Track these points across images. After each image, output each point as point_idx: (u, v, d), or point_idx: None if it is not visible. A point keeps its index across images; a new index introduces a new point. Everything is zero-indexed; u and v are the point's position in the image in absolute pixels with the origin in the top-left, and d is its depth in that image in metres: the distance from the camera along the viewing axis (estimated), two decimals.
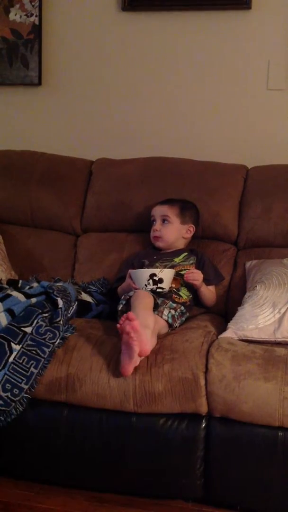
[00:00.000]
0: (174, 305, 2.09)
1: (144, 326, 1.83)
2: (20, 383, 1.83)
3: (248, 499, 1.83)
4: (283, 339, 1.94)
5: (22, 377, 1.84)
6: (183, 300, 2.17)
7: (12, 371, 1.84)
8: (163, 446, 1.83)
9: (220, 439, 1.81)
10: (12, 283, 2.23)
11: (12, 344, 1.87)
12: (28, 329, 1.91)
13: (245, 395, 1.74)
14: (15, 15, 2.87)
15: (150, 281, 2.06)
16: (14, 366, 1.85)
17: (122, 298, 2.10)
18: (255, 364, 1.78)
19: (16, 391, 1.83)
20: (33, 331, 1.91)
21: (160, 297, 2.07)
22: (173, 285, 2.16)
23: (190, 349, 1.86)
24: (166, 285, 2.08)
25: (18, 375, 1.84)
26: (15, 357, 1.86)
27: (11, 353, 1.86)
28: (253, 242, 2.43)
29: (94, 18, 2.83)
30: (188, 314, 2.17)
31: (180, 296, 2.17)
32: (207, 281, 2.26)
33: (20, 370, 1.84)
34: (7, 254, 2.50)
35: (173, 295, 2.15)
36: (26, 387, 1.83)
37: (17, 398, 1.83)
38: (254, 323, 1.96)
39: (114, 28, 2.81)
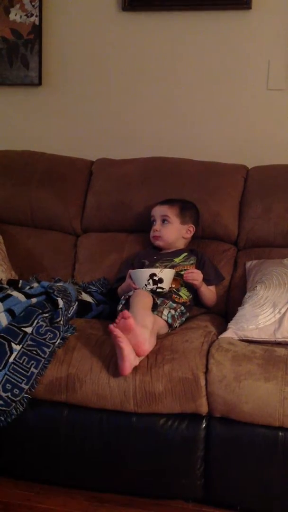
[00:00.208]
0: (174, 305, 2.09)
1: (142, 326, 1.83)
2: (21, 383, 1.83)
3: (248, 499, 1.83)
4: (283, 339, 1.94)
5: (23, 377, 1.84)
6: (183, 300, 2.17)
7: (12, 371, 1.84)
8: (163, 446, 1.83)
9: (220, 439, 1.81)
10: (12, 283, 2.23)
11: (13, 344, 1.87)
12: (29, 329, 1.91)
13: (245, 395, 1.74)
14: (15, 15, 2.87)
15: (150, 281, 2.06)
16: (15, 366, 1.85)
17: (122, 298, 2.10)
18: (256, 364, 1.78)
19: (16, 391, 1.83)
20: (34, 331, 1.91)
21: (160, 297, 2.07)
22: (173, 285, 2.16)
23: (190, 349, 1.86)
24: (166, 285, 2.08)
25: (18, 375, 1.84)
26: (15, 357, 1.86)
27: (11, 353, 1.86)
28: (253, 242, 2.43)
29: (94, 18, 2.83)
30: (188, 314, 2.17)
31: (180, 296, 2.17)
32: (207, 281, 2.26)
33: (21, 370, 1.84)
34: (7, 254, 2.50)
35: (173, 295, 2.15)
36: (26, 387, 1.83)
37: (18, 398, 1.83)
38: (254, 323, 1.96)
39: (114, 28, 2.81)
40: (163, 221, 2.33)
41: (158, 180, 2.52)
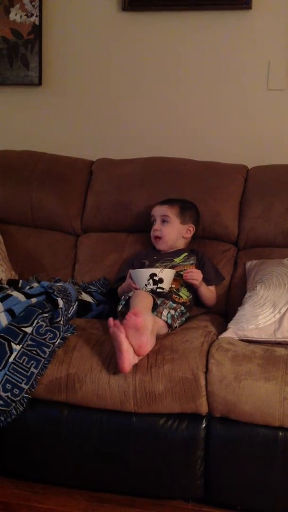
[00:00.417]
0: (174, 305, 2.09)
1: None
2: (21, 383, 1.83)
3: (248, 499, 1.83)
4: (283, 339, 1.94)
5: (23, 377, 1.84)
6: (183, 300, 2.16)
7: (12, 371, 1.84)
8: (163, 446, 1.83)
9: (220, 439, 1.80)
10: (13, 283, 2.24)
11: (13, 344, 1.87)
12: (29, 329, 1.91)
13: (245, 395, 1.74)
14: (15, 15, 2.87)
15: (150, 281, 2.06)
16: (15, 366, 1.85)
17: (122, 298, 2.10)
18: (256, 364, 1.78)
19: (16, 391, 1.83)
20: (34, 331, 1.91)
21: (160, 297, 2.07)
22: (173, 285, 2.16)
23: (190, 349, 1.86)
24: (166, 285, 2.08)
25: (18, 375, 1.84)
26: (15, 357, 1.86)
27: (11, 353, 1.86)
28: (253, 242, 2.43)
29: (94, 18, 2.83)
30: (188, 314, 2.17)
31: (180, 296, 2.17)
32: (207, 281, 2.26)
33: (21, 370, 1.84)
34: (7, 254, 2.50)
35: (173, 295, 2.15)
36: (26, 387, 1.83)
37: (18, 398, 1.83)
38: (254, 323, 1.96)
39: (114, 28, 2.81)
40: (163, 221, 2.33)
41: (158, 180, 2.52)
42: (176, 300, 2.13)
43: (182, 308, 2.12)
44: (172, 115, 2.81)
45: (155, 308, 2.00)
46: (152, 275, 2.06)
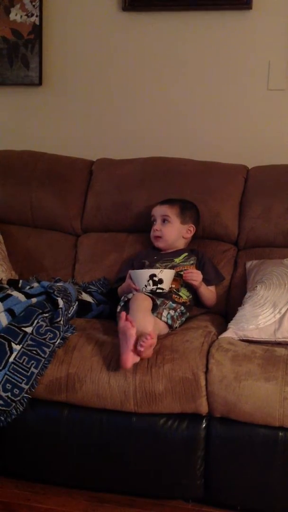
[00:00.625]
0: (174, 305, 2.09)
1: (143, 329, 1.83)
2: (21, 383, 1.83)
3: (248, 499, 1.83)
4: (284, 339, 1.94)
5: (23, 377, 1.84)
6: (183, 300, 2.16)
7: (12, 371, 1.84)
8: (163, 446, 1.83)
9: (221, 439, 1.80)
10: (13, 283, 2.24)
11: (13, 344, 1.87)
12: (29, 329, 1.91)
13: (245, 395, 1.74)
14: (16, 15, 2.87)
15: (150, 281, 2.05)
16: (15, 366, 1.85)
17: (121, 299, 2.09)
18: (256, 364, 1.78)
19: (16, 391, 1.83)
20: (34, 331, 1.91)
21: (160, 297, 2.07)
22: (173, 286, 2.16)
23: (190, 349, 1.86)
24: (166, 286, 2.08)
25: (18, 375, 1.84)
26: (15, 357, 1.86)
27: (11, 353, 1.86)
28: (253, 242, 2.43)
29: (94, 18, 2.83)
30: (188, 314, 2.16)
31: (180, 296, 2.17)
32: (207, 281, 2.26)
33: (21, 370, 1.84)
34: (7, 254, 2.50)
35: (173, 295, 2.15)
36: (26, 387, 1.83)
37: (18, 398, 1.83)
38: (254, 323, 1.96)
39: (115, 28, 2.81)
40: (164, 221, 2.33)
41: (158, 180, 2.52)
42: (176, 300, 2.13)
43: (182, 308, 2.12)
44: (172, 115, 2.81)
45: (155, 308, 2.00)
46: (152, 276, 2.06)
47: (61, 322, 1.95)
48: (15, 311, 1.97)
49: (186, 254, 2.30)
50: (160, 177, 2.53)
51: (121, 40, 2.82)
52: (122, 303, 2.05)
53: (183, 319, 2.12)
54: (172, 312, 2.05)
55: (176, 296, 2.16)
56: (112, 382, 1.82)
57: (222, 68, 2.74)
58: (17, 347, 1.87)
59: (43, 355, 1.86)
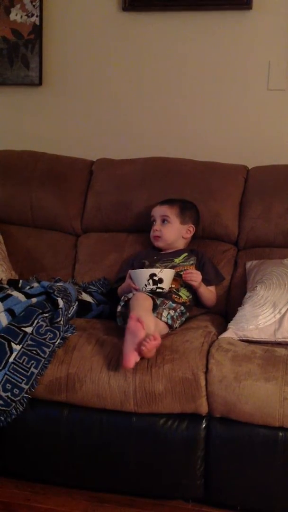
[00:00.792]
0: (174, 305, 2.09)
1: (145, 329, 1.83)
2: (21, 383, 1.83)
3: (248, 499, 1.83)
4: (284, 339, 1.94)
5: (23, 377, 1.84)
6: (183, 300, 2.16)
7: (12, 371, 1.84)
8: (163, 446, 1.83)
9: (220, 439, 1.80)
10: (13, 283, 2.23)
11: (13, 344, 1.87)
12: (29, 329, 1.91)
13: (245, 395, 1.74)
14: (16, 15, 2.87)
15: (150, 281, 2.05)
16: (15, 366, 1.85)
17: (121, 299, 2.09)
18: (256, 364, 1.78)
19: (16, 391, 1.83)
20: (34, 331, 1.91)
21: (159, 297, 2.07)
22: (173, 286, 2.16)
23: (190, 349, 1.86)
24: (166, 285, 2.08)
25: (18, 375, 1.84)
26: (15, 357, 1.86)
27: (11, 353, 1.86)
28: (253, 242, 2.43)
29: (94, 18, 2.83)
30: (188, 314, 2.16)
31: (180, 296, 2.17)
32: (207, 281, 2.26)
33: (21, 370, 1.84)
34: (7, 254, 2.50)
35: (173, 295, 2.15)
36: (26, 387, 1.83)
37: (18, 398, 1.83)
38: (254, 323, 1.96)
39: (115, 28, 2.81)
40: (163, 221, 2.33)
41: (158, 180, 2.52)
42: (176, 300, 2.14)
43: (182, 308, 2.12)
44: (172, 115, 2.81)
45: (155, 308, 2.00)
46: (152, 275, 2.06)
47: (61, 322, 1.95)
48: (15, 311, 1.97)
49: (186, 254, 2.30)
50: (160, 177, 2.53)
51: (121, 40, 2.82)
52: (122, 303, 2.05)
53: (183, 319, 2.12)
54: (172, 312, 2.05)
55: (176, 296, 2.16)
56: (112, 382, 1.82)
57: (222, 68, 2.74)
58: (17, 347, 1.87)
59: (43, 355, 1.86)
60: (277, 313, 1.97)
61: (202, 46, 2.74)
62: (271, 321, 1.96)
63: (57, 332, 1.91)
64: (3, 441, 1.92)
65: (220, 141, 2.77)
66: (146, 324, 1.83)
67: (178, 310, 2.09)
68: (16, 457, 1.95)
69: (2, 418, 1.84)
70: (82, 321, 2.12)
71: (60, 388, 1.86)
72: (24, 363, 1.85)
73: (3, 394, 1.82)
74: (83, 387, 1.84)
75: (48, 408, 1.89)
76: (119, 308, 2.06)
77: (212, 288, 2.30)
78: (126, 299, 2.02)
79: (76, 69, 2.90)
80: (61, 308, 1.99)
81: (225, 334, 1.96)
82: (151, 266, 2.24)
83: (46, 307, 2.01)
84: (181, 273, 2.20)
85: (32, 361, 1.85)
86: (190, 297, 2.21)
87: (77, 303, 2.17)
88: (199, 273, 2.20)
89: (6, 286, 2.18)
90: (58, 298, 2.03)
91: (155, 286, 2.06)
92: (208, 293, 2.26)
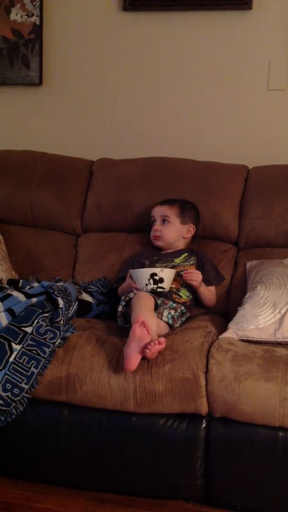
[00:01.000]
0: (174, 305, 2.09)
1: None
2: (21, 383, 1.83)
3: (248, 499, 1.83)
4: (284, 339, 1.94)
5: (23, 377, 1.84)
6: (183, 300, 2.16)
7: (12, 371, 1.84)
8: (163, 446, 1.83)
9: (221, 439, 1.80)
10: (13, 283, 2.23)
11: (13, 344, 1.87)
12: (29, 329, 1.91)
13: (245, 395, 1.74)
14: (16, 15, 2.87)
15: (151, 280, 2.05)
16: (15, 366, 1.85)
17: (122, 299, 2.09)
18: (256, 364, 1.78)
19: (16, 391, 1.83)
20: (34, 331, 1.91)
21: (160, 297, 2.07)
22: (173, 286, 2.16)
23: (190, 349, 1.86)
24: (166, 285, 2.08)
25: (18, 375, 1.84)
26: (15, 357, 1.86)
27: (11, 353, 1.86)
28: (253, 242, 2.43)
29: (95, 18, 2.83)
30: (188, 314, 2.17)
31: (180, 296, 2.17)
32: (207, 281, 2.26)
33: (21, 370, 1.84)
34: (7, 254, 2.50)
35: (173, 295, 2.15)
36: (26, 387, 1.83)
37: (18, 398, 1.83)
38: (254, 323, 1.96)
39: (115, 28, 2.81)
40: (163, 221, 2.33)
41: (158, 180, 2.52)
42: (176, 300, 2.14)
43: (182, 308, 2.12)
44: (172, 115, 2.81)
45: (156, 308, 2.00)
46: (153, 275, 2.06)
47: (61, 322, 1.95)
48: (15, 311, 1.97)
49: (186, 254, 2.30)
50: (160, 177, 2.53)
51: (121, 40, 2.82)
52: (123, 303, 2.05)
53: (183, 319, 2.12)
54: (172, 312, 2.05)
55: (176, 296, 2.16)
56: (112, 382, 1.82)
57: (222, 68, 2.74)
58: (17, 347, 1.87)
59: (43, 355, 1.86)
60: (277, 313, 1.97)
61: (202, 46, 2.74)
62: (271, 321, 1.96)
63: (57, 332, 1.91)
64: (3, 441, 1.92)
65: (220, 141, 2.77)
66: (150, 326, 1.83)
67: (178, 310, 2.09)
68: (16, 457, 1.95)
69: (2, 418, 1.83)
70: (82, 321, 2.12)
71: (60, 388, 1.85)
72: (24, 363, 1.85)
73: (3, 394, 1.82)
74: (83, 387, 1.84)
75: (48, 408, 1.89)
76: (120, 308, 2.06)
77: (212, 288, 2.30)
78: (128, 299, 2.02)
79: (76, 69, 2.90)
80: (61, 308, 1.99)
81: (225, 334, 1.96)
82: (151, 266, 2.24)
83: (46, 307, 2.01)
84: (182, 273, 2.20)
85: (32, 361, 1.85)
86: (190, 297, 2.21)
87: (77, 303, 2.17)
88: (199, 272, 2.20)
89: (6, 286, 2.18)
90: (58, 298, 2.03)
91: (155, 286, 2.06)
92: (208, 293, 2.26)
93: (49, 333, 1.90)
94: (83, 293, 2.28)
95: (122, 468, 1.88)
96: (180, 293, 2.18)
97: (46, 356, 1.86)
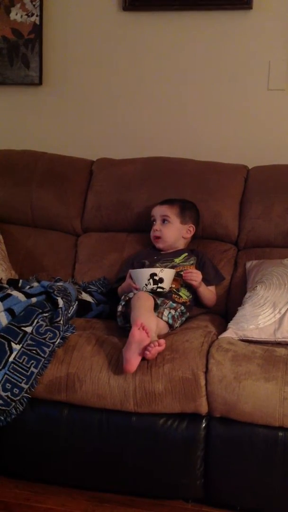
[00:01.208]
0: (174, 305, 2.09)
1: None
2: (20, 382, 1.83)
3: (248, 499, 1.83)
4: (284, 339, 1.94)
5: (22, 377, 1.84)
6: (183, 300, 2.16)
7: (12, 370, 1.84)
8: (163, 446, 1.83)
9: (220, 439, 1.80)
10: (13, 283, 2.23)
11: (12, 344, 1.87)
12: (28, 329, 1.91)
13: (245, 395, 1.74)
14: (16, 14, 2.87)
15: (151, 280, 2.05)
16: (14, 365, 1.85)
17: (122, 298, 2.09)
18: (256, 364, 1.78)
19: (16, 391, 1.83)
20: (33, 330, 1.90)
21: (160, 297, 2.07)
22: (173, 285, 2.16)
23: (190, 349, 1.86)
24: (166, 285, 2.08)
25: (18, 374, 1.84)
26: (15, 356, 1.86)
27: (11, 352, 1.86)
28: (253, 242, 2.43)
29: (95, 17, 2.83)
30: (188, 314, 2.16)
31: (180, 296, 2.17)
32: (207, 281, 2.26)
33: (20, 369, 1.84)
34: (7, 254, 2.50)
35: (173, 295, 2.15)
36: (26, 386, 1.83)
37: (17, 398, 1.83)
38: (254, 323, 1.96)
39: (115, 27, 2.81)
40: (163, 221, 2.33)
41: (158, 180, 2.52)
42: (176, 300, 2.13)
43: (182, 308, 2.12)
44: (173, 115, 2.81)
45: (156, 308, 2.00)
46: (152, 275, 2.06)
47: (61, 321, 1.95)
48: (15, 310, 1.97)
49: (186, 254, 2.30)
50: (160, 177, 2.53)
51: (121, 40, 2.82)
52: (123, 303, 2.05)
53: (183, 319, 2.12)
54: (173, 311, 2.05)
55: (176, 296, 2.16)
56: (112, 382, 1.81)
57: (222, 68, 2.74)
58: (17, 347, 1.87)
59: (43, 354, 1.86)
60: (277, 313, 1.97)
61: (202, 46, 2.74)
62: (271, 321, 1.96)
63: (57, 331, 1.91)
64: (3, 441, 1.92)
65: (220, 141, 2.77)
66: (150, 328, 1.83)
67: (178, 309, 2.09)
68: (16, 457, 1.95)
69: (2, 418, 1.83)
70: (82, 321, 2.12)
71: (60, 387, 1.85)
72: (24, 363, 1.85)
73: (3, 394, 1.82)
74: (83, 386, 1.83)
75: (48, 407, 1.89)
76: (119, 308, 2.06)
77: (212, 288, 2.30)
78: (127, 298, 2.02)
79: (76, 69, 2.90)
80: (61, 307, 1.99)
81: (225, 334, 1.96)
82: (151, 266, 2.24)
83: (46, 306, 2.01)
84: (181, 273, 2.20)
85: (32, 361, 1.85)
86: (190, 297, 2.21)
87: (77, 302, 2.17)
88: (199, 272, 2.20)
89: (6, 286, 2.18)
90: (58, 298, 2.03)
91: (155, 286, 2.05)
92: (208, 293, 2.26)
93: (49, 333, 1.90)
94: (83, 293, 2.28)
95: (122, 468, 1.87)
96: (180, 293, 2.18)
97: (46, 356, 1.86)
